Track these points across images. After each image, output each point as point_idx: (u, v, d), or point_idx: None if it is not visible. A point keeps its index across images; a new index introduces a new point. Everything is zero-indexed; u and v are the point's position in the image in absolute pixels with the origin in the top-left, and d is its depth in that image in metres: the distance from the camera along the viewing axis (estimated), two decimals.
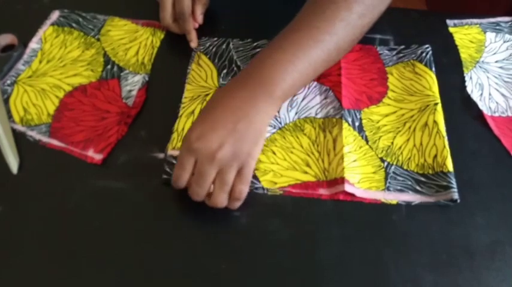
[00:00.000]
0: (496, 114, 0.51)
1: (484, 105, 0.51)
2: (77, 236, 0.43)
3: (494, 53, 0.56)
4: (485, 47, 0.57)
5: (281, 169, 0.47)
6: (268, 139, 0.49)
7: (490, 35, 0.57)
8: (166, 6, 0.56)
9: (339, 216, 0.44)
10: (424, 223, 0.44)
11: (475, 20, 0.59)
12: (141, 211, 0.45)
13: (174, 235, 0.44)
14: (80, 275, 0.41)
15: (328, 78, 0.54)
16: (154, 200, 0.46)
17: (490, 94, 0.52)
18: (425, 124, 0.49)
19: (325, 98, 0.52)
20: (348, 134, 0.49)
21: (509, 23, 0.59)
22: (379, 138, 0.49)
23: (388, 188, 0.46)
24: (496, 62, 0.55)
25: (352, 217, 0.44)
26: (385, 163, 0.47)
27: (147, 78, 0.54)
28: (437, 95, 0.51)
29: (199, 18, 0.58)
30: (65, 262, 0.42)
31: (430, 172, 0.46)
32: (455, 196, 0.44)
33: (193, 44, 0.57)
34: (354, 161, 0.47)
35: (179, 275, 0.41)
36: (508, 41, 0.57)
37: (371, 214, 0.45)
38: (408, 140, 0.49)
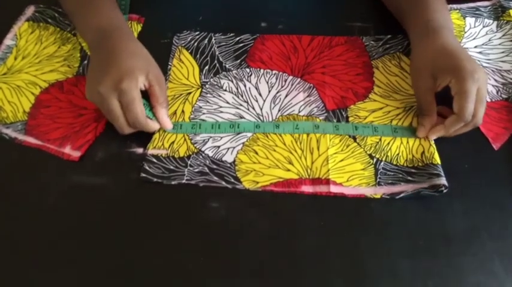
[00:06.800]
0: None
1: None
2: (54, 235, 0.43)
3: (474, 38, 0.55)
4: (465, 32, 0.56)
5: (263, 167, 0.47)
6: (250, 139, 0.49)
7: (470, 20, 0.57)
8: (118, 115, 0.45)
9: (317, 206, 0.44)
10: (402, 210, 0.44)
11: (454, 6, 0.59)
12: (120, 207, 0.45)
13: (152, 230, 0.43)
14: (59, 273, 0.41)
15: (312, 76, 0.53)
16: (133, 195, 0.45)
17: None
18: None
19: (309, 95, 0.52)
20: (333, 135, 0.49)
21: (489, 7, 0.58)
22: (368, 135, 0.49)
23: (379, 183, 0.45)
24: (475, 47, 0.55)
25: (330, 206, 0.44)
26: (374, 159, 0.47)
27: None
28: None
29: (167, 123, 0.49)
30: (44, 259, 0.42)
31: (420, 164, 0.46)
32: (445, 182, 0.44)
33: (169, 126, 0.49)
34: (341, 161, 0.47)
35: (159, 269, 0.41)
36: (487, 26, 0.56)
37: (349, 203, 0.45)
38: (395, 137, 0.49)
